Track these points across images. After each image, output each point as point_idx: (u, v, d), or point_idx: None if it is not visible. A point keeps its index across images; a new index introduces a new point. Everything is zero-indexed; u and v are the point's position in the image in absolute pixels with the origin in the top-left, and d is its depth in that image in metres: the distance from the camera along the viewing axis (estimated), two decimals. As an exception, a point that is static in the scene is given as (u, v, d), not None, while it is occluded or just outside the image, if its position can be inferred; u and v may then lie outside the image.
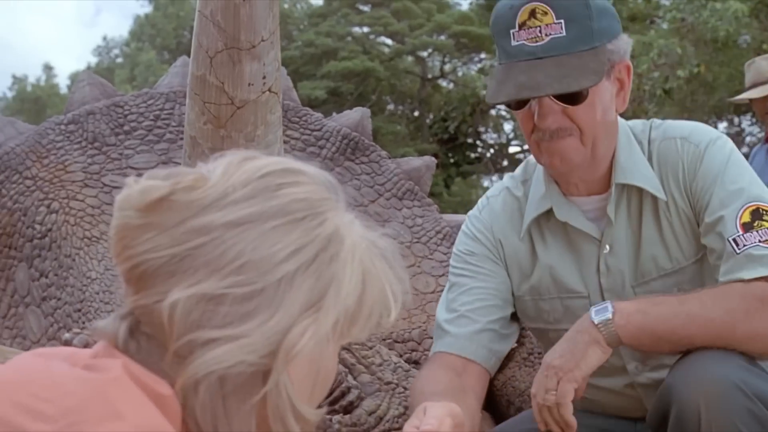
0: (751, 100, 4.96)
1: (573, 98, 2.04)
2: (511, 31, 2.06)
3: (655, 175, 2.16)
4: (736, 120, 20.91)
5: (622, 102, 2.16)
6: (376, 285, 1.26)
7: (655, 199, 2.16)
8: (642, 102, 14.25)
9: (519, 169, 2.37)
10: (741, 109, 16.44)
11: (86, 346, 1.67)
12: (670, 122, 2.26)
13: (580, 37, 2.03)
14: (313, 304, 1.19)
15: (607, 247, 2.18)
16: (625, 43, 2.13)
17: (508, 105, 2.14)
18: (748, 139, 20.26)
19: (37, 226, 2.87)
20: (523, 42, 2.04)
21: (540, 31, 2.02)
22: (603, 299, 2.18)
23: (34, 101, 32.45)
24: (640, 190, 2.16)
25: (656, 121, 2.26)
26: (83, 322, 2.65)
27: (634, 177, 2.15)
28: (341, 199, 1.28)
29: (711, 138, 2.17)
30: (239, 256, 1.15)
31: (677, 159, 2.16)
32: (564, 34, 2.02)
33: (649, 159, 2.19)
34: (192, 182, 1.18)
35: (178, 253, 1.15)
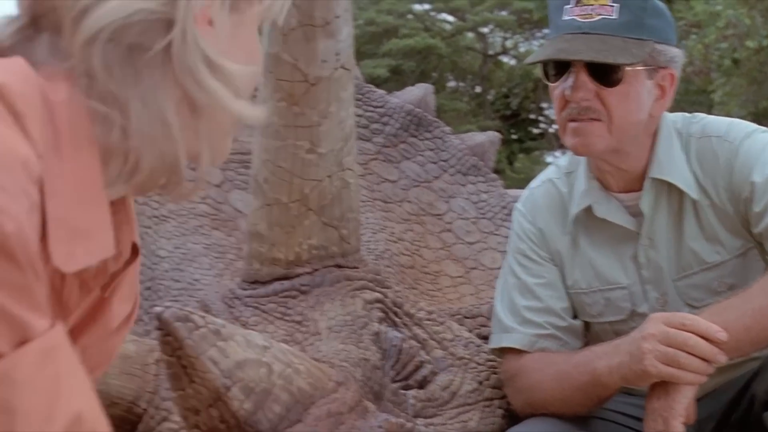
0: None
1: (608, 79, 2.08)
2: (565, 7, 2.12)
3: (691, 172, 2.19)
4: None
5: (659, 108, 2.19)
6: None
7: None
8: (709, 73, 14.03)
9: (564, 160, 2.39)
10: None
11: (179, 318, 1.70)
12: (710, 118, 2.28)
13: (630, 25, 2.07)
14: None
15: (647, 240, 2.20)
16: (675, 53, 2.17)
17: (548, 78, 2.16)
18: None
19: (108, 206, 2.90)
20: (574, 17, 2.10)
21: (592, 10, 2.08)
22: (644, 291, 2.25)
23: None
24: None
25: (698, 115, 2.30)
26: (153, 300, 2.67)
27: (671, 173, 2.18)
28: None
29: (747, 132, 2.20)
30: None
31: (714, 158, 2.18)
32: (615, 17, 2.08)
33: (687, 154, 2.21)
34: None
35: None
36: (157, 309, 1.72)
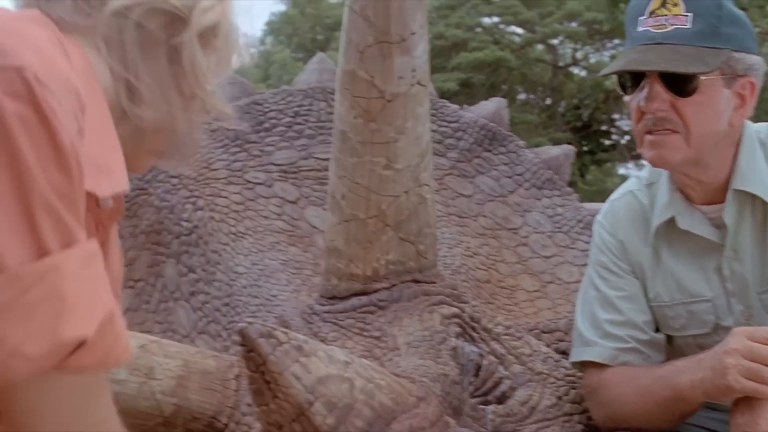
0: None
1: (682, 89, 2.06)
2: (639, 18, 2.11)
3: None
4: None
5: (739, 117, 2.16)
6: None
7: None
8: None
9: (645, 171, 2.37)
10: None
11: (262, 335, 1.72)
12: None
13: (704, 34, 2.06)
14: None
15: (732, 252, 2.17)
16: (755, 61, 2.15)
17: (624, 90, 2.16)
18: None
19: (184, 223, 2.93)
20: (648, 28, 2.10)
21: (666, 20, 2.07)
22: (729, 304, 2.21)
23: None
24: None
25: None
26: (231, 316, 2.70)
27: (754, 184, 2.15)
28: None
29: None
30: None
31: None
32: (689, 26, 2.07)
33: None
34: None
35: None
36: (240, 325, 1.74)
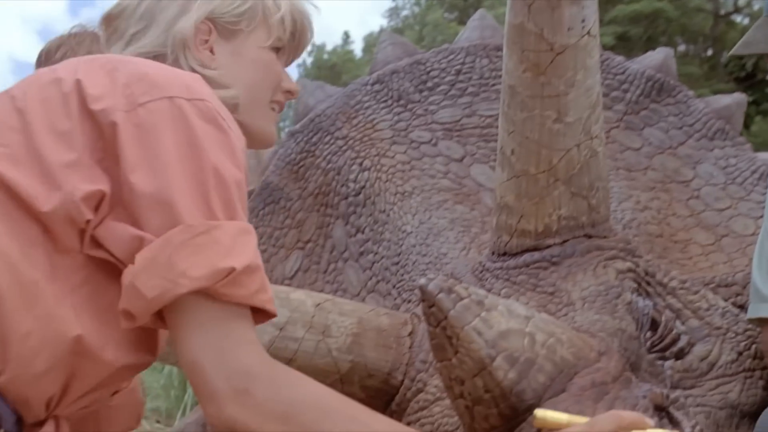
0: None
1: None
2: None
3: None
4: None
5: None
6: None
7: None
8: None
9: None
10: None
11: (443, 290, 1.73)
12: None
13: None
14: None
15: None
16: None
17: None
18: None
19: (351, 184, 2.97)
20: None
21: None
22: None
23: (330, 68, 33.62)
24: None
25: None
26: (401, 275, 2.73)
27: None
28: None
29: None
30: None
31: None
32: None
33: None
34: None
35: None
36: (421, 281, 1.75)
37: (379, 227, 2.84)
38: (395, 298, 2.70)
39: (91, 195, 1.44)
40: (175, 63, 1.70)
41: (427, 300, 1.74)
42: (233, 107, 1.71)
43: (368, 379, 2.26)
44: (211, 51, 1.76)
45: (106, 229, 1.45)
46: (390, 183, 2.93)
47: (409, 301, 2.62)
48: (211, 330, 1.40)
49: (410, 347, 2.28)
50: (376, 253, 2.83)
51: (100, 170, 1.46)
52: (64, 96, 1.50)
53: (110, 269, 1.47)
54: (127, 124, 1.45)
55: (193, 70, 1.69)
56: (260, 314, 1.47)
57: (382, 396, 2.28)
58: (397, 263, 2.76)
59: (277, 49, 1.85)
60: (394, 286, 2.74)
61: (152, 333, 1.57)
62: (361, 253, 2.87)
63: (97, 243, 1.46)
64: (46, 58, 2.99)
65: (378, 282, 2.79)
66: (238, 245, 1.42)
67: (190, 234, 1.39)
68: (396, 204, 2.87)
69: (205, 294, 1.39)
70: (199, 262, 1.38)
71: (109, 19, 1.81)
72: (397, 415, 2.26)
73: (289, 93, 1.88)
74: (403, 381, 2.25)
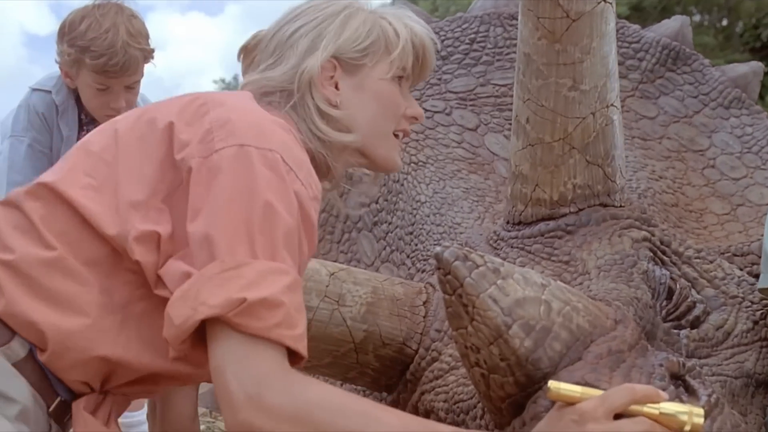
0: None
1: None
2: None
3: None
4: None
5: None
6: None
7: None
8: None
9: None
10: None
11: (459, 258, 1.72)
12: None
13: None
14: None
15: None
16: None
17: None
18: None
19: (364, 154, 2.96)
20: None
21: None
22: None
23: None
24: None
25: None
26: (415, 245, 2.72)
27: None
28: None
29: None
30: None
31: None
32: None
33: None
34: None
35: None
36: (437, 249, 1.74)
37: (393, 197, 2.83)
38: (409, 268, 2.69)
39: (146, 235, 1.56)
40: (302, 100, 1.77)
41: (443, 268, 1.73)
42: (354, 145, 1.81)
43: (383, 348, 2.26)
44: (336, 86, 1.80)
45: (166, 268, 1.56)
46: (404, 152, 2.91)
47: (424, 271, 2.61)
48: (234, 353, 1.46)
49: (425, 316, 2.28)
50: (390, 223, 2.82)
51: (166, 212, 1.59)
52: (157, 137, 1.63)
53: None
54: (201, 168, 1.55)
55: (319, 109, 1.77)
56: (294, 356, 1.52)
57: (397, 365, 2.28)
58: (411, 233, 2.75)
59: (399, 78, 1.87)
60: (408, 256, 2.73)
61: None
62: (375, 223, 2.86)
63: (162, 282, 1.57)
64: (69, 29, 2.99)
65: (392, 252, 2.78)
66: (263, 281, 1.46)
67: (220, 268, 1.47)
68: (410, 174, 2.86)
69: (228, 323, 1.46)
70: (218, 293, 1.45)
71: (247, 51, 1.93)
72: (412, 384, 2.26)
73: (414, 119, 1.91)
74: (417, 350, 2.25)
